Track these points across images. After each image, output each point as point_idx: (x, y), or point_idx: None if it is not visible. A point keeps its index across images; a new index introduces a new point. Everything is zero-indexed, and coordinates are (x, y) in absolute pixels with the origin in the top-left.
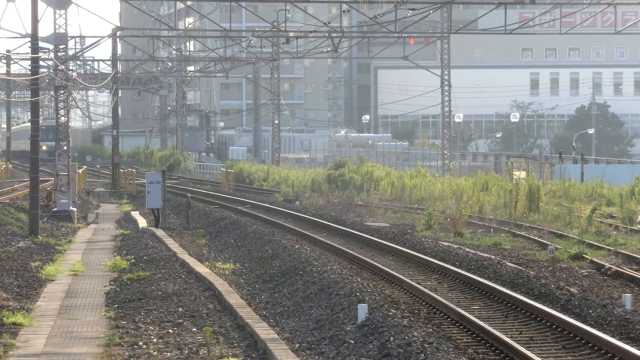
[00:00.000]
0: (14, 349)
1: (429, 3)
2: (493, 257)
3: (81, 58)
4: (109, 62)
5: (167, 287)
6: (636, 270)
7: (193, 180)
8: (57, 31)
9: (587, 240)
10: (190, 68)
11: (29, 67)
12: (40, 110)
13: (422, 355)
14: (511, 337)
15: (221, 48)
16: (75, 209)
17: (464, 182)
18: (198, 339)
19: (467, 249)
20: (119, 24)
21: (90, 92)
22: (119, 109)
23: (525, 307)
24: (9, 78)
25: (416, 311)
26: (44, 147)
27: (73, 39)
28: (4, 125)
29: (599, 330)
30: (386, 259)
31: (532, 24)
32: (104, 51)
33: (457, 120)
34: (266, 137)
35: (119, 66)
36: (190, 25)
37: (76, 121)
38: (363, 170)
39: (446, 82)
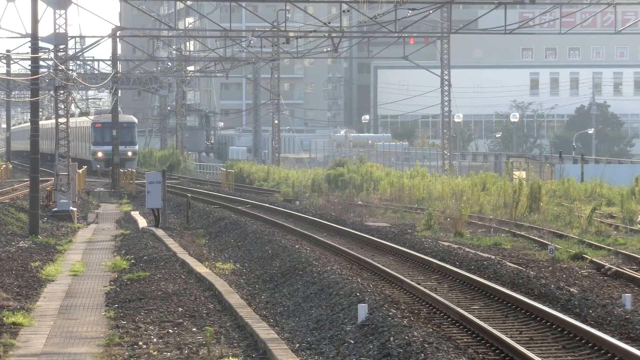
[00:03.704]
0: (14, 348)
1: (429, 3)
2: (493, 257)
3: (81, 58)
4: (109, 62)
5: (167, 287)
6: (636, 270)
7: (193, 180)
8: (57, 31)
9: (587, 240)
10: (190, 68)
11: (29, 67)
12: (40, 110)
13: (422, 355)
14: (511, 337)
15: (221, 48)
16: (75, 209)
17: (463, 182)
18: (198, 338)
19: (467, 249)
20: (119, 24)
21: (90, 92)
22: (119, 109)
23: (525, 307)
24: (9, 78)
25: (416, 311)
26: (100, 154)
27: (73, 39)
28: (4, 125)
29: (599, 330)
30: (386, 259)
31: (532, 24)
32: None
33: (457, 120)
34: (266, 137)
35: (119, 66)
36: (190, 25)
37: None
38: (363, 170)
39: (446, 82)
